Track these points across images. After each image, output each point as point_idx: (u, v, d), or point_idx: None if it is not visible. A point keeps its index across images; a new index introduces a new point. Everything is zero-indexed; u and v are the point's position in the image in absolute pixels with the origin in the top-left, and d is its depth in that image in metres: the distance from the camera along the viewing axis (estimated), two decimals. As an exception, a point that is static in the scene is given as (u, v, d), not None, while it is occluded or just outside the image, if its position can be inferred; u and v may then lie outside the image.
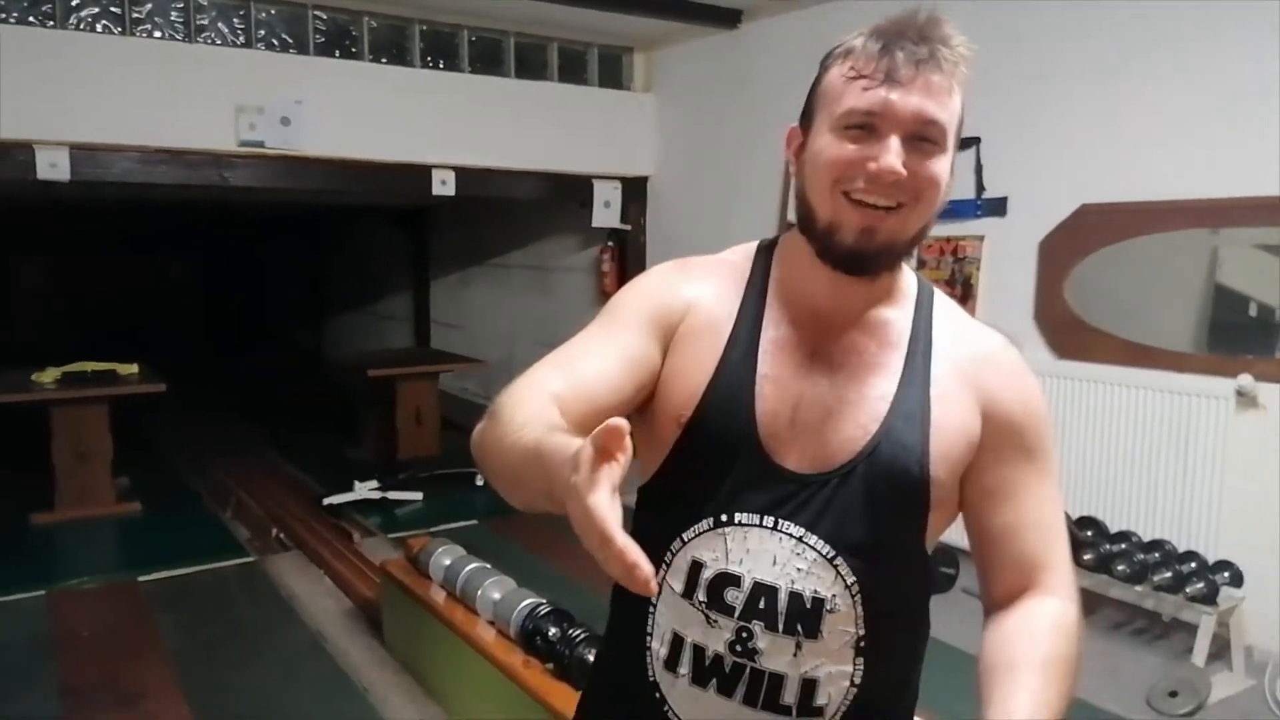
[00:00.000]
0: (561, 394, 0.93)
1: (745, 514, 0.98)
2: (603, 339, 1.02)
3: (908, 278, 1.05)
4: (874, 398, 0.99)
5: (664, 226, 6.04)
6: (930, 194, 0.94)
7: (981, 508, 1.01)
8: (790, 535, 0.97)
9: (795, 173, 1.00)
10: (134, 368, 5.45)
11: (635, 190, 6.11)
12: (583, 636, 2.51)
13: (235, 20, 4.83)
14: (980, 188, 4.11)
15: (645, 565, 0.67)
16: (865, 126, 0.92)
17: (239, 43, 4.83)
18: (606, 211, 6.00)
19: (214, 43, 4.77)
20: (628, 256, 6.15)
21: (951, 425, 0.98)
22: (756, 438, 0.98)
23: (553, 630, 2.58)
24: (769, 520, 0.97)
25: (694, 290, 1.05)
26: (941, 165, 0.94)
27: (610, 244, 6.25)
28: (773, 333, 1.02)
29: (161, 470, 6.09)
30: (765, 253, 1.07)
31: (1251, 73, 3.27)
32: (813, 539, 0.97)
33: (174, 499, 5.52)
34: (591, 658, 2.46)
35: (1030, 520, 1.00)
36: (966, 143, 4.12)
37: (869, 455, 0.97)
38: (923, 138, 0.92)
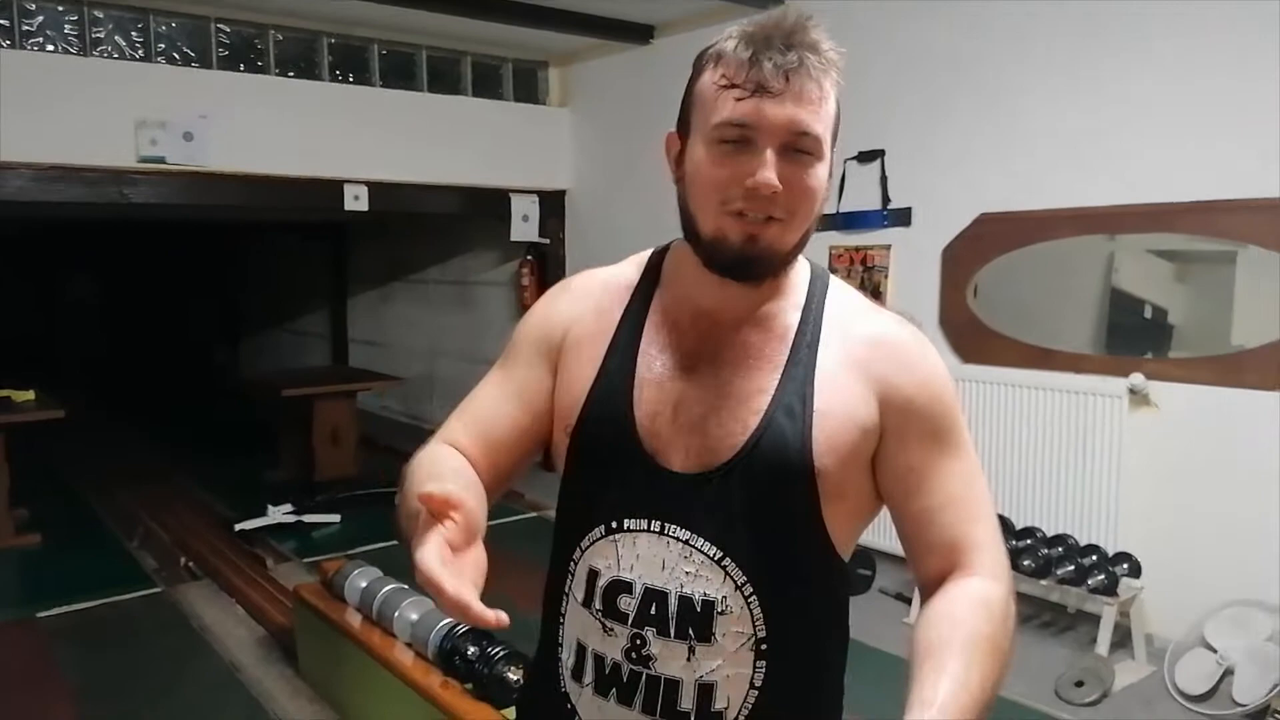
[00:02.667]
0: (465, 442, 1.05)
1: (633, 519, 0.98)
2: (498, 380, 1.11)
3: (800, 268, 1.04)
4: (755, 392, 0.97)
5: (583, 239, 6.05)
6: (808, 205, 0.94)
7: (896, 495, 0.99)
8: (677, 539, 0.96)
9: (676, 180, 1.00)
10: (30, 394, 5.21)
11: (553, 204, 6.11)
12: (502, 654, 2.48)
13: (133, 33, 4.69)
14: (886, 199, 4.23)
15: (475, 605, 0.76)
16: (739, 140, 0.92)
17: (138, 56, 4.69)
18: (525, 225, 5.99)
19: (111, 56, 4.62)
20: (548, 270, 6.15)
21: (838, 413, 0.96)
22: (637, 440, 0.98)
23: (471, 649, 2.54)
24: (656, 525, 0.97)
25: (574, 306, 1.08)
26: (818, 174, 0.94)
27: (530, 258, 6.24)
28: (655, 335, 1.02)
29: (63, 499, 5.83)
30: (655, 260, 1.09)
31: (1137, 89, 3.44)
32: (700, 541, 0.96)
33: (77, 529, 5.29)
34: (511, 675, 2.45)
35: (946, 501, 0.97)
36: (871, 155, 4.25)
37: (750, 450, 0.96)
38: (798, 149, 0.92)
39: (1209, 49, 3.25)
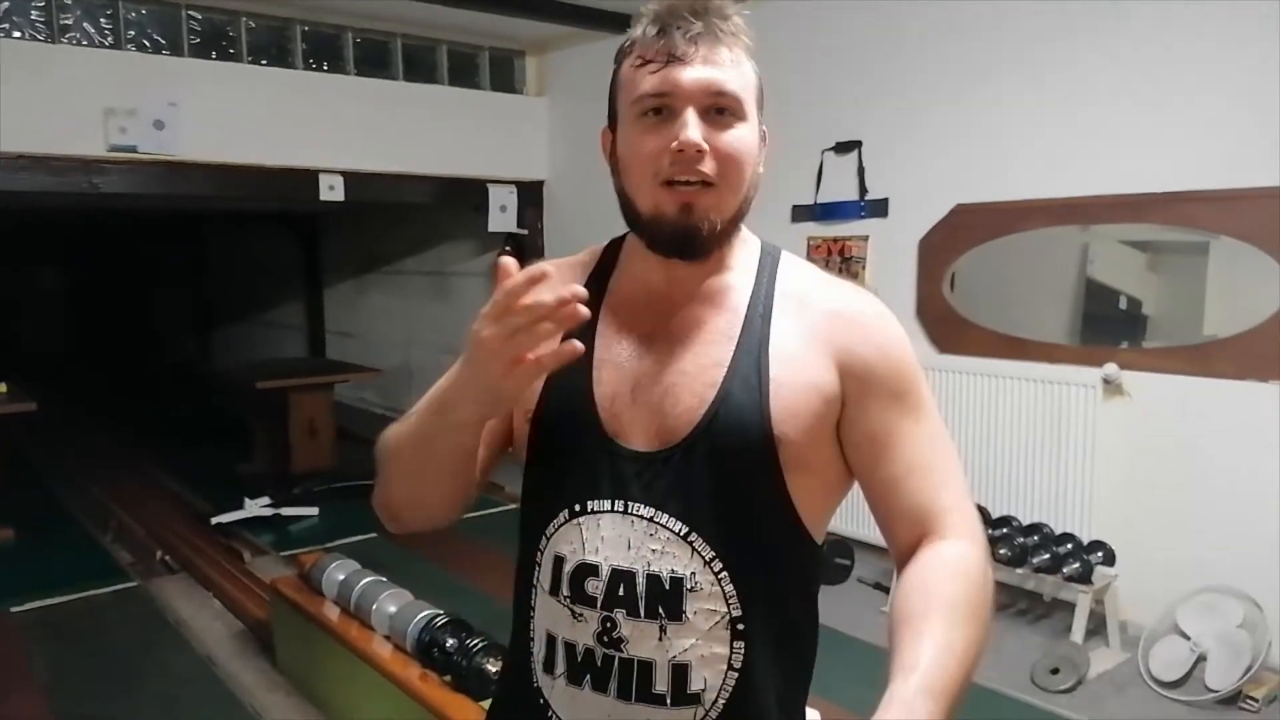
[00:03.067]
0: None
1: (596, 500, 0.98)
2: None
3: (748, 244, 1.05)
4: (709, 365, 0.98)
5: (561, 229, 6.03)
6: (736, 166, 0.95)
7: (862, 464, 0.99)
8: (641, 517, 0.96)
9: (613, 172, 1.01)
10: (1, 386, 5.14)
11: (531, 194, 6.08)
12: (480, 645, 2.47)
13: (102, 20, 4.61)
14: (863, 189, 4.24)
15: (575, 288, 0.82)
16: (660, 110, 0.94)
17: (107, 43, 4.61)
18: (502, 216, 5.96)
19: (80, 43, 4.54)
20: (526, 261, 6.00)
21: (796, 380, 0.96)
22: (598, 421, 0.99)
23: (450, 641, 2.53)
24: (619, 504, 0.97)
25: None
26: (742, 134, 0.95)
27: (508, 248, 6.20)
28: (611, 319, 1.03)
29: (36, 493, 5.76)
30: (612, 248, 1.10)
31: (1108, 81, 3.47)
32: (664, 518, 0.96)
33: (49, 523, 5.23)
34: (490, 667, 2.44)
35: (912, 466, 0.97)
36: (849, 146, 4.26)
37: (708, 423, 0.96)
38: (719, 110, 0.94)
39: (1179, 43, 3.28)
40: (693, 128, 0.92)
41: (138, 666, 3.47)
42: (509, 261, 0.83)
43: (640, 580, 0.95)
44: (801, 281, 1.04)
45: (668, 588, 0.95)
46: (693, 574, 0.95)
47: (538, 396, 1.01)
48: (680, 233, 0.95)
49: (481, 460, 1.07)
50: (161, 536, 4.84)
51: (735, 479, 0.96)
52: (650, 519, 0.96)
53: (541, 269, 0.82)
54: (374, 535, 4.84)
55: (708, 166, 0.93)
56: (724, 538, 0.95)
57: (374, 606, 2.80)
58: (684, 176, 0.93)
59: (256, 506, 5.06)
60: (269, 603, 3.47)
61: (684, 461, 0.96)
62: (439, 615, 2.64)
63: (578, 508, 0.99)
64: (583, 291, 0.82)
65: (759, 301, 1.01)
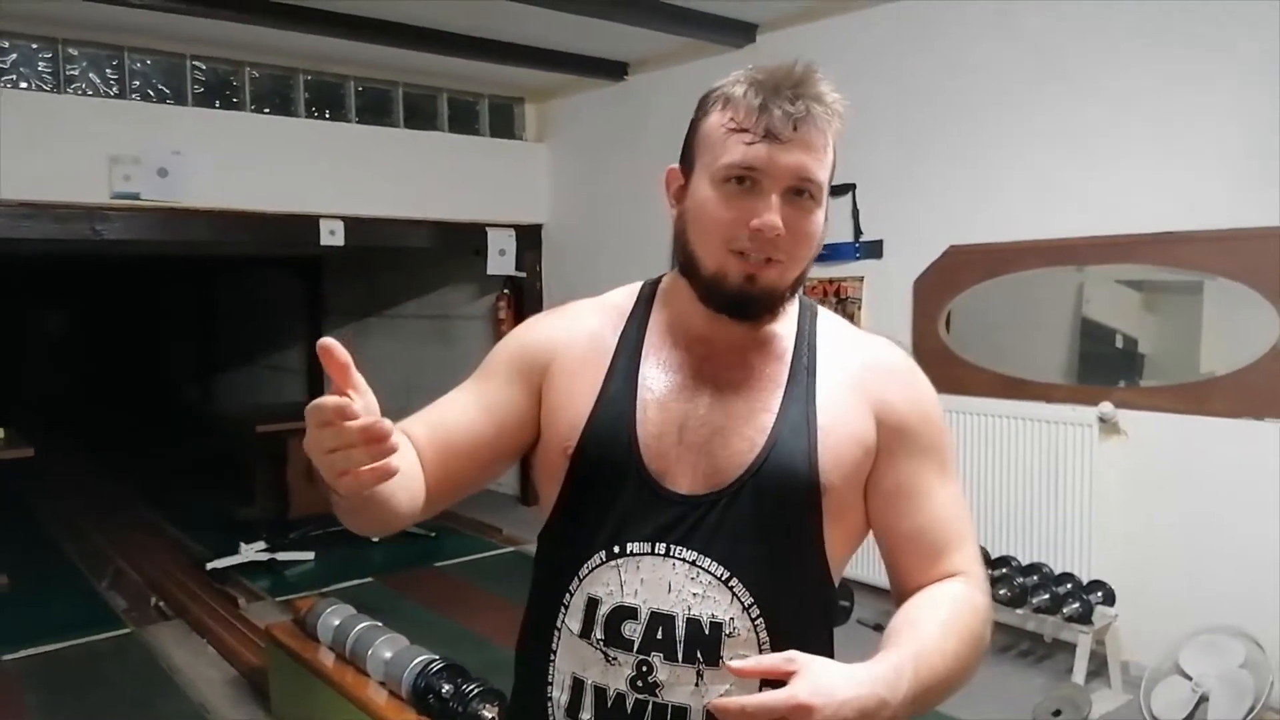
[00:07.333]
0: (419, 434, 1.03)
1: (636, 543, 0.97)
2: (468, 388, 1.10)
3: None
4: (760, 411, 0.98)
5: (560, 273, 6.07)
6: (806, 247, 0.97)
7: (885, 515, 1.00)
8: (683, 560, 0.95)
9: (676, 215, 1.02)
10: (0, 431, 5.14)
11: (530, 238, 6.14)
12: (477, 691, 2.46)
13: (108, 70, 4.70)
14: (858, 231, 4.28)
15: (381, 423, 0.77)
16: (743, 180, 0.94)
17: (112, 93, 4.69)
18: (502, 259, 6.01)
19: (85, 93, 4.62)
20: (524, 303, 6.16)
21: (841, 431, 0.98)
22: (641, 461, 0.98)
23: (446, 687, 2.51)
24: (660, 547, 0.96)
25: (567, 329, 1.08)
26: (817, 219, 0.97)
27: (507, 291, 6.25)
28: (654, 358, 1.03)
29: (33, 539, 5.73)
30: (648, 290, 1.10)
31: (1100, 123, 3.52)
32: (706, 561, 0.95)
33: (46, 570, 5.19)
34: (486, 713, 2.42)
35: (934, 519, 0.99)
36: (843, 189, 4.31)
37: (758, 469, 0.96)
38: (798, 191, 0.95)
39: (1171, 87, 3.33)
40: (776, 212, 0.93)
41: (132, 715, 3.43)
42: (326, 344, 0.79)
43: (680, 624, 0.95)
44: (838, 334, 1.06)
45: (707, 632, 0.94)
46: (731, 619, 0.95)
47: (580, 431, 1.01)
48: (741, 299, 0.97)
49: (456, 473, 1.05)
50: (157, 582, 4.81)
51: (780, 525, 0.97)
52: (692, 562, 0.96)
53: (340, 405, 0.78)
54: (370, 579, 4.82)
55: (780, 247, 0.94)
56: (762, 584, 0.96)
57: (369, 652, 2.77)
58: (755, 253, 0.94)
59: (252, 551, 5.03)
60: (264, 649, 3.44)
61: (730, 505, 0.96)
62: (434, 660, 2.62)
63: (616, 549, 0.98)
64: (387, 428, 0.78)
65: (803, 352, 1.03)
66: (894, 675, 0.83)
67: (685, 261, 1.00)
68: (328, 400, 0.78)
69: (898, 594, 1.02)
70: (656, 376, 1.02)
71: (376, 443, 0.78)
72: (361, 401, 0.80)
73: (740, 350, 1.02)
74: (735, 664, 0.80)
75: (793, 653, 0.82)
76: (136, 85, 4.78)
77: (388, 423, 0.79)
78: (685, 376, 1.01)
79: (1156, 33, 3.35)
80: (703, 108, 1.00)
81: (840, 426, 0.98)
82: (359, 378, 0.81)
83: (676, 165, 1.03)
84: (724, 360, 1.01)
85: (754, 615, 0.95)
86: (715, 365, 1.01)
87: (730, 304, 0.97)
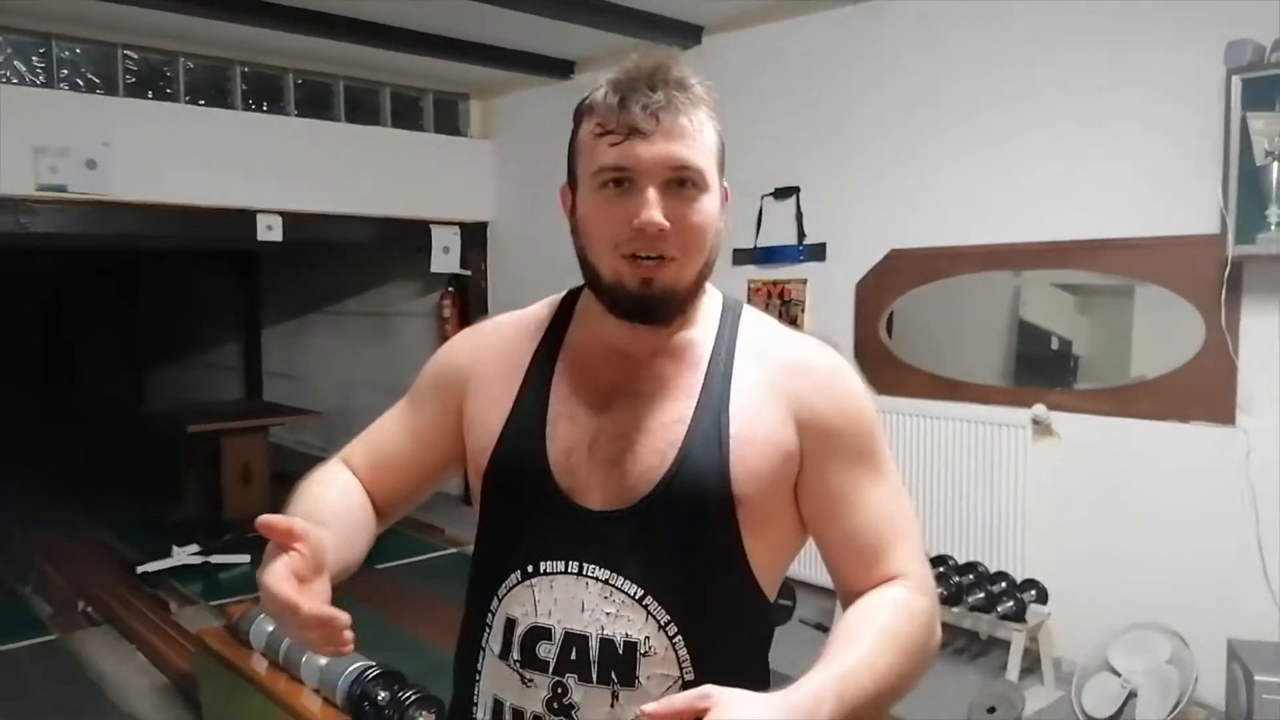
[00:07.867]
0: (360, 462, 1.11)
1: (550, 561, 0.95)
2: (400, 412, 1.14)
3: (711, 298, 1.04)
4: (671, 422, 0.96)
5: (505, 271, 6.03)
6: (698, 239, 0.94)
7: (820, 520, 0.98)
8: (596, 579, 0.94)
9: (573, 231, 1.00)
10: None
11: (475, 235, 6.08)
12: (414, 698, 2.42)
13: (34, 58, 4.53)
14: (801, 234, 4.32)
15: (341, 618, 0.81)
16: (620, 181, 0.92)
17: (39, 82, 4.53)
18: (446, 257, 5.94)
19: (10, 81, 4.45)
20: (469, 301, 6.10)
21: (756, 439, 0.95)
22: (551, 478, 0.96)
23: (382, 694, 2.47)
24: (574, 565, 0.94)
25: (480, 347, 1.09)
26: (704, 206, 0.94)
27: (451, 289, 6.18)
28: (568, 372, 1.01)
29: (-50, 544, 5.51)
30: (567, 301, 1.08)
31: (1036, 132, 3.59)
32: (619, 580, 0.93)
33: (-36, 575, 5.00)
34: (423, 720, 2.38)
35: (867, 522, 0.97)
36: (787, 191, 4.34)
37: (669, 483, 0.94)
38: (680, 181, 0.92)
39: (1104, 98, 3.41)
40: (653, 206, 0.91)
41: (54, 725, 3.32)
42: (265, 521, 0.83)
43: (594, 644, 0.93)
44: (761, 334, 1.03)
45: (621, 652, 0.93)
46: (646, 638, 0.93)
47: (490, 451, 1.00)
48: (642, 303, 0.94)
49: (399, 492, 1.10)
50: (84, 587, 4.66)
51: (694, 540, 0.95)
52: (605, 581, 0.94)
53: (287, 600, 0.81)
54: (309, 583, 4.71)
55: (669, 242, 0.92)
56: (679, 601, 0.94)
57: (304, 659, 2.71)
58: (645, 252, 0.92)
59: (185, 554, 4.90)
60: (195, 655, 3.35)
61: (642, 521, 0.94)
62: (371, 667, 2.57)
63: (530, 569, 0.96)
64: (343, 619, 0.82)
65: (720, 358, 1.00)
66: (812, 703, 0.81)
67: (587, 275, 0.99)
68: (278, 591, 0.80)
69: (842, 597, 1.00)
70: (568, 391, 1.00)
71: (330, 628, 0.82)
72: (311, 562, 0.84)
73: (654, 359, 0.99)
74: (648, 708, 0.76)
75: (707, 687, 0.79)
76: (64, 74, 4.62)
77: (342, 614, 0.82)
78: (598, 390, 0.99)
79: (1086, 42, 3.43)
80: (575, 120, 0.99)
81: (755, 433, 0.95)
82: (301, 528, 0.84)
83: (566, 184, 1.02)
84: (637, 371, 0.99)
85: (671, 634, 0.93)
86: (629, 377, 0.99)
87: (633, 310, 0.95)
